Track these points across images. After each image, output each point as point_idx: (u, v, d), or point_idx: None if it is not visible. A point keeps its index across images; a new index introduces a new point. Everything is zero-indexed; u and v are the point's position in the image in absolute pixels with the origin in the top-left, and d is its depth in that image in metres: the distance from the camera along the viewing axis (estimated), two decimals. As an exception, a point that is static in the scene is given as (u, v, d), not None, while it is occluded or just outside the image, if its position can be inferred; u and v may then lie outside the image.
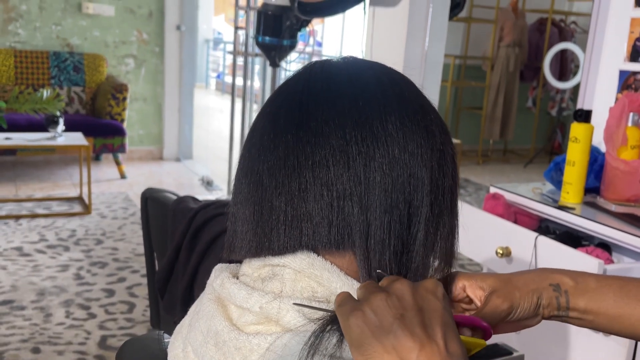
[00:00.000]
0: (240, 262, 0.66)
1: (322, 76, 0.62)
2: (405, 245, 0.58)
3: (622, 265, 1.52)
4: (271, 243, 0.59)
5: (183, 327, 0.70)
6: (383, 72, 0.64)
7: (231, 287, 0.61)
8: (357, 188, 0.57)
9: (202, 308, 0.65)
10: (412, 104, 0.61)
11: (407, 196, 0.58)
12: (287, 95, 0.63)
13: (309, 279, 0.58)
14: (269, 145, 0.60)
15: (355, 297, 0.53)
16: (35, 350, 2.35)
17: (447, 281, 0.71)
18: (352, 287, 0.58)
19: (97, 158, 5.43)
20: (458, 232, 0.64)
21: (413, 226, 0.59)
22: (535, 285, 0.71)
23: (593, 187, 1.78)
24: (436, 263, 0.62)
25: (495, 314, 0.68)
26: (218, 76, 12.18)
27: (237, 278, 0.64)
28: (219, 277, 0.64)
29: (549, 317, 0.73)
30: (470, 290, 0.71)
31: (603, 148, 1.80)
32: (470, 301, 0.72)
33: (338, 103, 0.59)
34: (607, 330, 0.74)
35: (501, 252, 1.66)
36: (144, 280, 3.01)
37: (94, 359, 2.32)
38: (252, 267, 0.62)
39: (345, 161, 0.57)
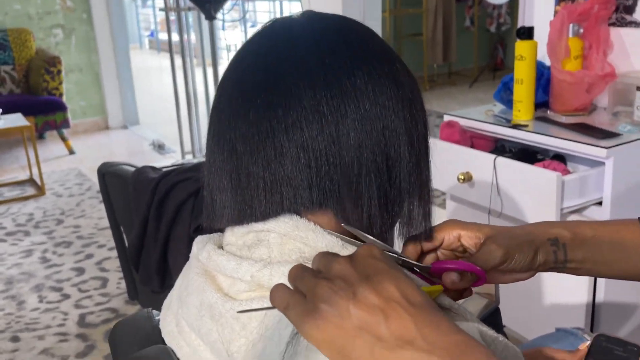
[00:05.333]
0: (221, 230, 0.66)
1: (284, 36, 0.61)
2: (389, 197, 0.59)
3: (578, 175, 1.58)
4: (253, 210, 0.59)
5: (172, 302, 0.70)
6: (345, 25, 0.62)
7: (219, 258, 0.61)
8: (332, 147, 0.57)
9: (190, 283, 0.65)
10: (377, 55, 0.60)
11: (383, 149, 0.58)
12: (251, 58, 0.61)
13: (295, 241, 0.58)
14: (238, 111, 0.59)
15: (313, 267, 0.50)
16: (15, 339, 2.33)
17: (441, 228, 0.70)
18: (337, 244, 0.58)
19: (41, 137, 5.26)
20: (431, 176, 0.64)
21: (394, 177, 0.59)
22: (532, 239, 0.70)
23: (542, 101, 1.82)
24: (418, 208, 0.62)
25: (489, 259, 0.67)
26: (151, 34, 11.79)
27: (222, 248, 0.64)
28: (204, 250, 0.63)
29: (545, 270, 0.73)
30: (465, 239, 0.70)
31: (548, 62, 1.84)
32: (464, 250, 0.72)
33: (305, 63, 0.58)
34: (602, 275, 0.76)
35: (462, 177, 1.70)
36: (112, 254, 2.99)
37: (76, 338, 2.32)
38: (236, 235, 0.62)
39: (319, 121, 0.56)
